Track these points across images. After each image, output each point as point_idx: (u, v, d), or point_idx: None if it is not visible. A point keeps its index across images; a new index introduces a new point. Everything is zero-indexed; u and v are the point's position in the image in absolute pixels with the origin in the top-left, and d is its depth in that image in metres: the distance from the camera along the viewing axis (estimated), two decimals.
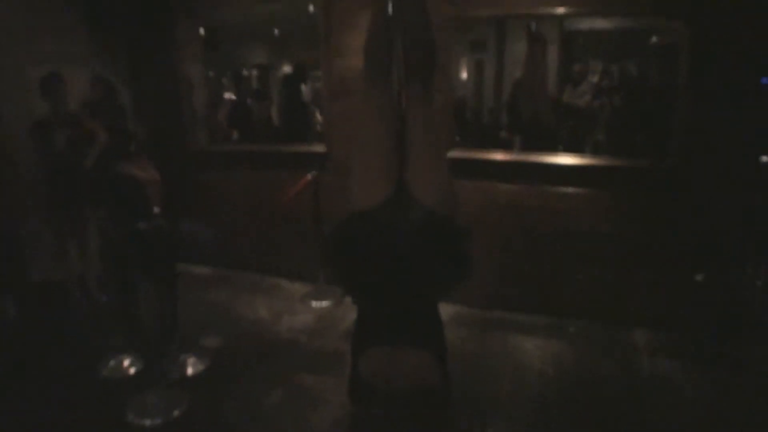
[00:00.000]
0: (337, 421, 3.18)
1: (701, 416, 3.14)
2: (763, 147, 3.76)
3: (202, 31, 5.63)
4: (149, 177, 3.97)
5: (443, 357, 1.88)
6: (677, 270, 3.98)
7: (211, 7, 5.39)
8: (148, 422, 3.21)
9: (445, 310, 4.42)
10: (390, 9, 1.92)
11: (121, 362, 3.81)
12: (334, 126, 4.84)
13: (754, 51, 3.59)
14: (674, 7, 3.83)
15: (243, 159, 5.45)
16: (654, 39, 6.50)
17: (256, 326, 4.42)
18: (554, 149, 4.61)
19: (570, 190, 4.21)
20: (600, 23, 7.09)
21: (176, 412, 3.28)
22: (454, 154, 4.41)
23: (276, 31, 8.47)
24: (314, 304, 4.76)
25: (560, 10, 4.09)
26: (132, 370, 3.77)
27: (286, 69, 8.35)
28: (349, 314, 4.58)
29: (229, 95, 6.46)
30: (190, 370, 3.73)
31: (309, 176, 4.65)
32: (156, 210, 3.55)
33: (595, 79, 6.52)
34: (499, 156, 4.44)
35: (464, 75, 7.46)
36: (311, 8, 5.08)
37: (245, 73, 7.92)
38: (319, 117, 6.00)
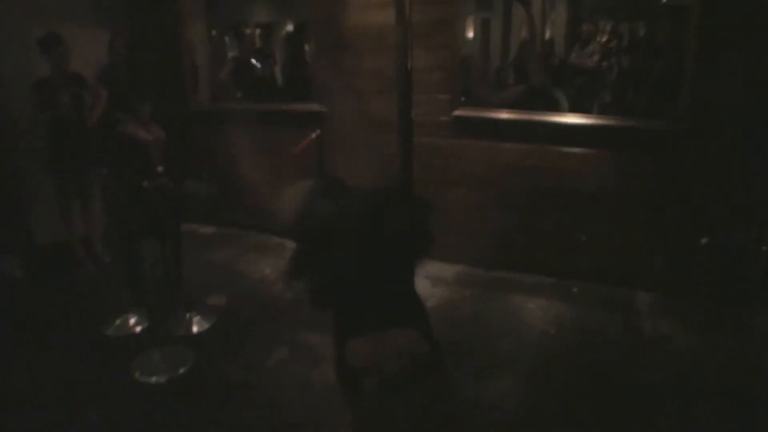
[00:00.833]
0: None
1: (700, 377, 3.16)
2: None
3: None
4: (152, 136, 3.94)
5: (429, 330, 1.87)
6: (682, 233, 3.96)
7: None
8: (153, 379, 3.26)
9: (448, 270, 4.49)
10: None
11: (127, 321, 3.86)
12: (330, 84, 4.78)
13: (765, 10, 3.50)
14: None
15: (246, 118, 5.39)
16: None
17: (260, 285, 4.45)
18: (560, 109, 4.53)
19: (576, 150, 4.16)
20: None
21: (181, 370, 3.33)
22: (460, 113, 4.36)
23: None
24: None
25: None
26: (137, 329, 3.82)
27: (289, 27, 8.22)
28: None
29: (232, 54, 6.37)
30: (195, 329, 3.77)
31: (313, 135, 4.61)
32: (159, 169, 3.53)
33: (603, 39, 6.40)
34: (504, 115, 4.38)
35: (470, 34, 7.32)
36: None
37: (248, 31, 7.81)
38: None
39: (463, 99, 4.55)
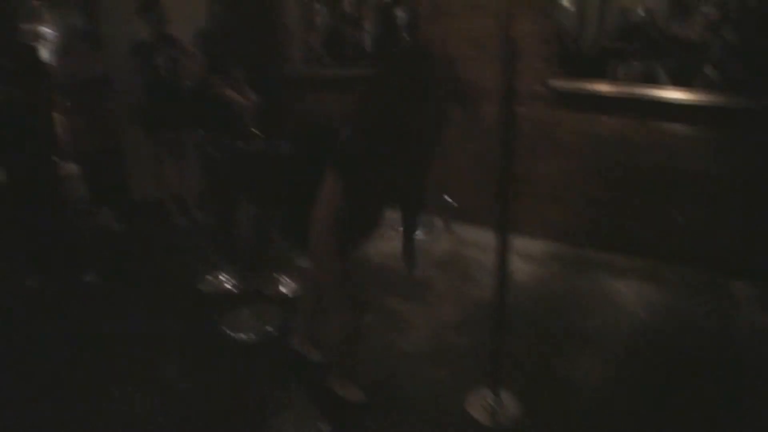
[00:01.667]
0: (423, 346, 3.23)
1: None
2: None
3: None
4: (246, 99, 4.01)
5: None
6: None
7: None
8: (241, 336, 3.36)
9: (537, 246, 4.40)
10: None
11: (217, 278, 3.99)
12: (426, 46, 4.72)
13: None
14: None
15: (336, 84, 5.42)
16: None
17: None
18: (661, 83, 4.30)
19: (677, 126, 3.95)
20: None
21: (269, 328, 3.41)
22: (555, 83, 4.21)
23: None
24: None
25: None
26: (227, 285, 3.94)
27: None
28: (442, 243, 4.59)
29: (322, 19, 6.37)
30: (283, 289, 3.85)
31: None
32: (254, 131, 3.59)
33: (708, 9, 6.00)
34: (602, 87, 4.19)
35: (565, 2, 7.01)
36: None
37: None
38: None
39: (558, 69, 4.38)
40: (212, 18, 5.17)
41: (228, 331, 3.40)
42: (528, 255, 4.27)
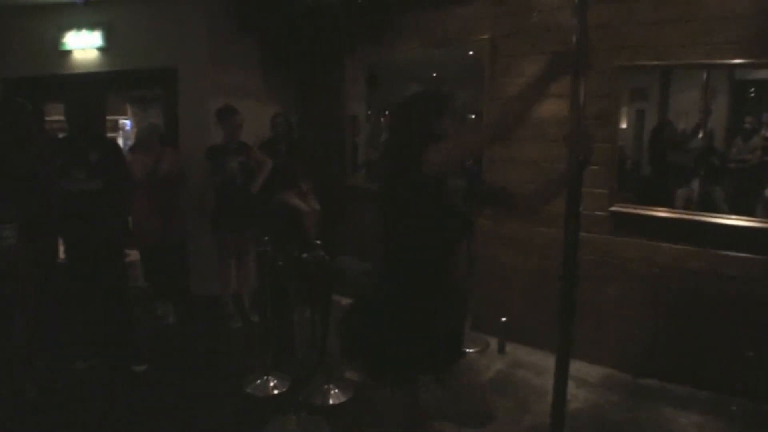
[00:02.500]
0: None
1: None
2: None
3: (365, 71, 5.89)
4: (310, 208, 4.16)
5: None
6: None
7: (375, 50, 5.64)
8: None
9: (594, 372, 4.27)
10: None
11: (267, 381, 3.97)
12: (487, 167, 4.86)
13: None
14: None
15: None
16: None
17: None
18: (720, 209, 4.27)
19: (740, 254, 3.87)
20: None
21: None
22: (616, 208, 4.24)
23: (434, 74, 8.61)
24: None
25: (736, 60, 3.84)
26: (276, 391, 3.91)
27: None
28: (495, 363, 4.50)
29: (384, 135, 6.65)
30: (331, 400, 3.80)
31: None
32: (317, 242, 3.70)
33: None
34: (661, 213, 4.19)
35: (624, 125, 7.13)
36: (471, 53, 5.17)
37: None
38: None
39: (620, 194, 4.41)
40: (276, 129, 5.45)
41: None
42: (584, 380, 4.12)
